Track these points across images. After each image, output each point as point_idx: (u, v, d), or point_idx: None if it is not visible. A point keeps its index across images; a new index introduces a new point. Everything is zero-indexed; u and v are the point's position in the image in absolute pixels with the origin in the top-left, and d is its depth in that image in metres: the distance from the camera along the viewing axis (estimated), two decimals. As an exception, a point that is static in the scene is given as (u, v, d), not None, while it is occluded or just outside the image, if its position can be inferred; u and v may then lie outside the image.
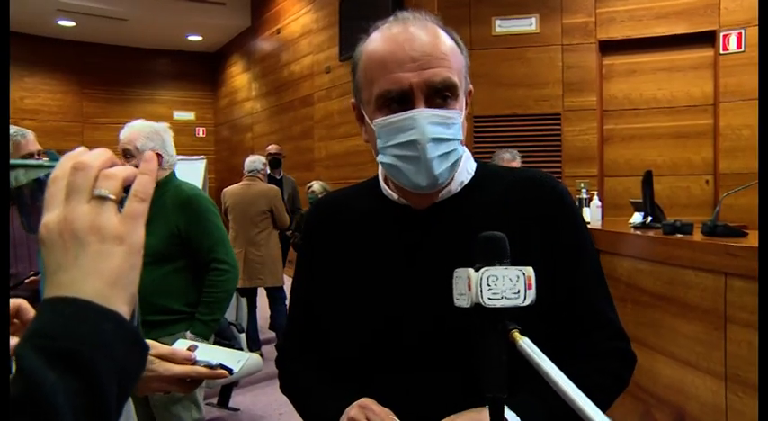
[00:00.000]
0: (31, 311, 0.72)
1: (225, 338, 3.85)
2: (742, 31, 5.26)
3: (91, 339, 0.50)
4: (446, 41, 1.08)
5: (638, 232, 3.55)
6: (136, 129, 2.67)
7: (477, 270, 0.80)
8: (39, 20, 10.63)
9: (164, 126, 2.78)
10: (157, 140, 2.68)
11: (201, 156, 9.85)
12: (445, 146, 1.05)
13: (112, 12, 10.45)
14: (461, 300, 0.82)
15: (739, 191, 3.54)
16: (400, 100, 1.05)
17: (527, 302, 0.80)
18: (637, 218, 3.92)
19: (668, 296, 3.06)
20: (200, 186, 8.94)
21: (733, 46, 5.31)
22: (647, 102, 5.82)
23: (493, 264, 0.81)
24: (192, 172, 8.98)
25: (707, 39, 5.49)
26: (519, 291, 0.80)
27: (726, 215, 3.56)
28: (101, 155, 0.58)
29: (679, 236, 3.17)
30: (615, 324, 1.16)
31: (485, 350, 0.79)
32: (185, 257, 2.64)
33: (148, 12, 10.71)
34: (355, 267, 1.17)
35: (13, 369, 0.48)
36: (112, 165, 0.58)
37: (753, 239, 2.80)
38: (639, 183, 3.87)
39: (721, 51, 5.39)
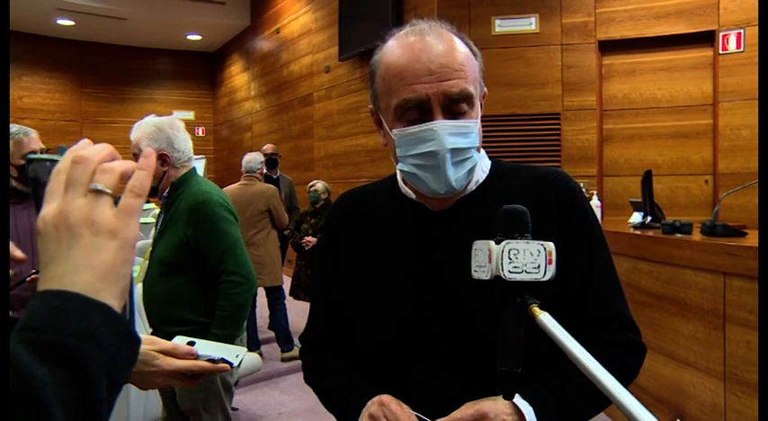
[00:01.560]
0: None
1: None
2: (741, 30, 5.26)
3: (79, 331, 0.50)
4: (462, 50, 1.11)
5: (638, 232, 3.55)
6: (140, 131, 2.53)
7: (498, 242, 0.80)
8: (38, 18, 10.62)
9: (170, 120, 2.57)
10: (161, 140, 2.50)
11: (201, 156, 9.88)
12: (463, 154, 1.09)
13: (112, 11, 10.45)
14: (480, 272, 0.82)
15: (738, 190, 3.54)
16: (418, 110, 1.07)
17: (547, 277, 0.80)
18: (636, 217, 3.93)
19: (667, 296, 3.06)
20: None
21: (732, 46, 5.32)
22: (646, 101, 5.82)
23: (514, 238, 0.81)
24: (192, 171, 9.03)
25: (706, 38, 5.49)
26: (539, 266, 0.80)
27: (725, 215, 3.57)
28: (101, 149, 0.59)
29: (678, 235, 3.17)
30: (626, 316, 1.19)
31: (503, 324, 0.79)
32: (197, 267, 2.46)
33: (148, 11, 10.71)
34: (375, 264, 1.20)
35: None
36: (113, 160, 0.59)
37: (752, 239, 2.80)
38: (639, 183, 3.88)
39: (720, 51, 5.39)
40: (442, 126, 1.06)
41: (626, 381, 1.16)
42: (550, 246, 0.81)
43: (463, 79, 1.08)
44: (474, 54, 1.14)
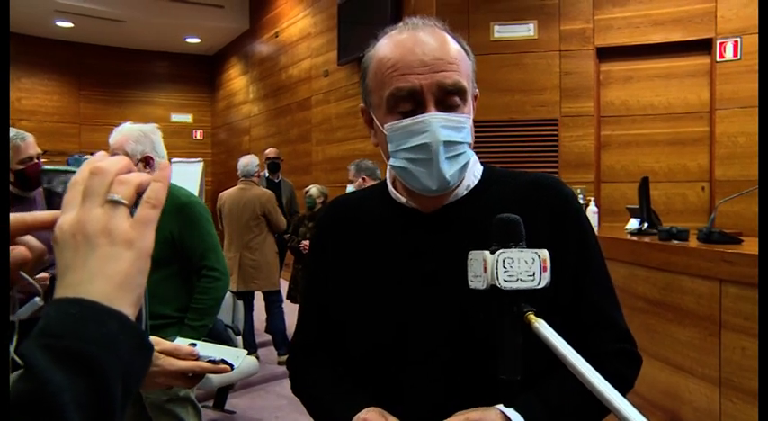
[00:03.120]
0: (32, 240, 0.70)
1: (222, 341, 3.85)
2: (738, 39, 5.29)
3: (97, 339, 0.51)
4: (454, 46, 1.10)
5: (635, 238, 3.57)
6: (124, 134, 2.64)
7: (492, 252, 0.82)
8: (36, 20, 10.62)
9: (152, 127, 2.74)
10: (147, 143, 2.65)
11: (199, 159, 9.87)
12: (455, 149, 1.08)
13: (110, 13, 10.45)
14: (476, 281, 0.83)
15: (734, 198, 3.56)
16: (410, 100, 1.06)
17: (542, 284, 0.81)
18: (633, 224, 3.94)
19: (664, 302, 3.07)
20: (197, 189, 8.89)
21: (729, 54, 5.35)
22: (643, 108, 5.85)
23: (508, 247, 0.82)
24: (189, 174, 8.98)
25: (703, 46, 5.52)
26: (534, 274, 0.81)
27: (721, 222, 3.58)
28: (118, 161, 0.60)
29: (675, 242, 3.19)
30: (621, 325, 1.17)
31: (500, 332, 0.80)
32: (177, 263, 2.64)
33: (147, 13, 10.71)
34: (366, 270, 1.19)
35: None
36: (129, 172, 0.60)
37: (748, 246, 2.81)
38: (636, 190, 3.89)
39: (717, 59, 5.42)
40: (434, 118, 1.05)
41: (622, 392, 1.16)
42: (544, 253, 0.82)
43: (456, 73, 1.07)
44: (467, 53, 1.14)
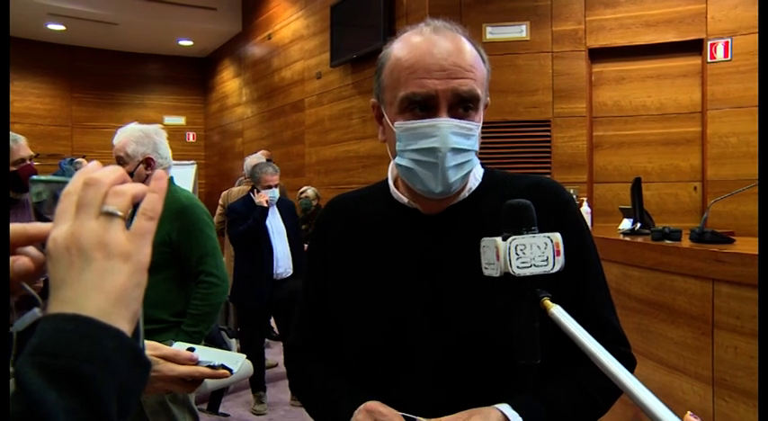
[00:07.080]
0: (34, 251, 0.67)
1: (215, 344, 3.84)
2: (729, 39, 5.32)
3: (92, 357, 0.50)
4: (473, 53, 1.11)
5: (627, 238, 3.58)
6: (126, 135, 2.64)
7: (505, 239, 0.81)
8: (28, 23, 10.57)
9: (155, 128, 2.72)
10: (148, 144, 2.63)
11: (192, 161, 9.84)
12: (462, 156, 1.08)
13: (103, 16, 10.41)
14: (490, 269, 0.83)
15: (726, 198, 3.57)
16: (424, 105, 1.07)
17: (556, 269, 0.81)
18: (626, 224, 3.95)
19: (657, 302, 3.08)
20: (191, 191, 8.87)
21: (720, 54, 5.37)
22: (635, 109, 5.87)
23: (520, 233, 0.81)
24: (183, 177, 8.95)
25: (694, 47, 5.55)
26: (548, 258, 0.81)
27: (713, 221, 3.60)
28: (112, 172, 0.58)
29: (667, 242, 3.20)
30: (617, 328, 1.19)
31: (516, 318, 0.80)
32: (175, 267, 2.60)
33: (139, 16, 10.68)
34: (365, 270, 1.20)
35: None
36: (124, 183, 0.58)
37: (740, 246, 2.83)
38: (628, 190, 3.91)
39: (709, 60, 5.45)
40: (446, 123, 1.06)
41: (618, 394, 1.17)
42: (557, 236, 0.82)
43: (473, 80, 1.08)
44: (483, 61, 1.14)
